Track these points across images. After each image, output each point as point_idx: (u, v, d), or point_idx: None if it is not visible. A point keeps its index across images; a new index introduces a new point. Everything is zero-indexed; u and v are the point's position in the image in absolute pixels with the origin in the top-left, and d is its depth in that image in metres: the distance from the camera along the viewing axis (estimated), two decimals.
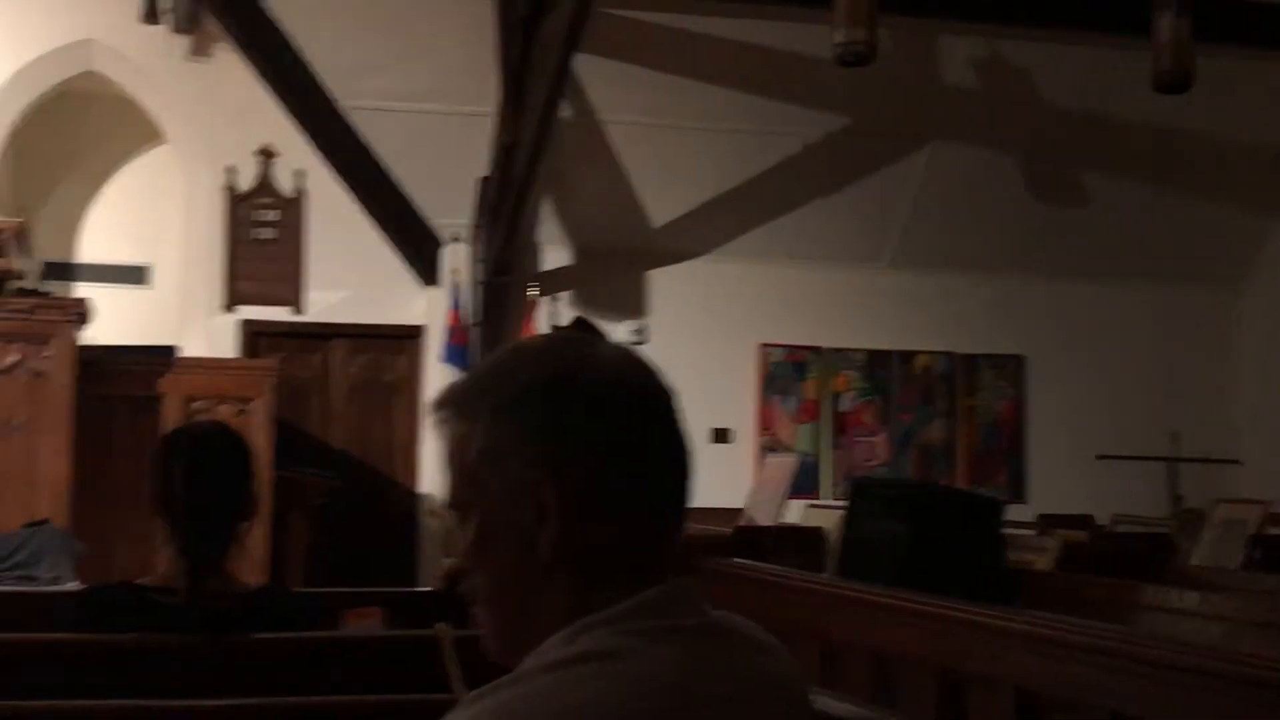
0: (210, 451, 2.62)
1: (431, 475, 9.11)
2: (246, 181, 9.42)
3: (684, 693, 1.15)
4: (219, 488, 2.58)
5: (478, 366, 1.35)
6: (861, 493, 4.88)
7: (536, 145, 8.29)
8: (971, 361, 10.04)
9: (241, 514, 2.62)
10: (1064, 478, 9.72)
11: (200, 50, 9.23)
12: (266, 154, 9.41)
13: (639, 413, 1.27)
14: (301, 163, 9.33)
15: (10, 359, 6.89)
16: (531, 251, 9.43)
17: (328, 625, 2.94)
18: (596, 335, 1.36)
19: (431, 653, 2.56)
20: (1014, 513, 6.22)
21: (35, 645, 2.59)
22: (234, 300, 9.33)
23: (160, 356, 7.38)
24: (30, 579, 6.25)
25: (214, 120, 9.30)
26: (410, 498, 9.37)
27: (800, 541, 5.30)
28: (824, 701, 1.35)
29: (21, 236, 6.97)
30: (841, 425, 9.81)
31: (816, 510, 7.10)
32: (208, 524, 2.56)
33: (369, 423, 9.61)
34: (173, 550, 2.57)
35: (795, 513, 6.72)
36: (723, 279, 9.49)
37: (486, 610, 1.30)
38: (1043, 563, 5.42)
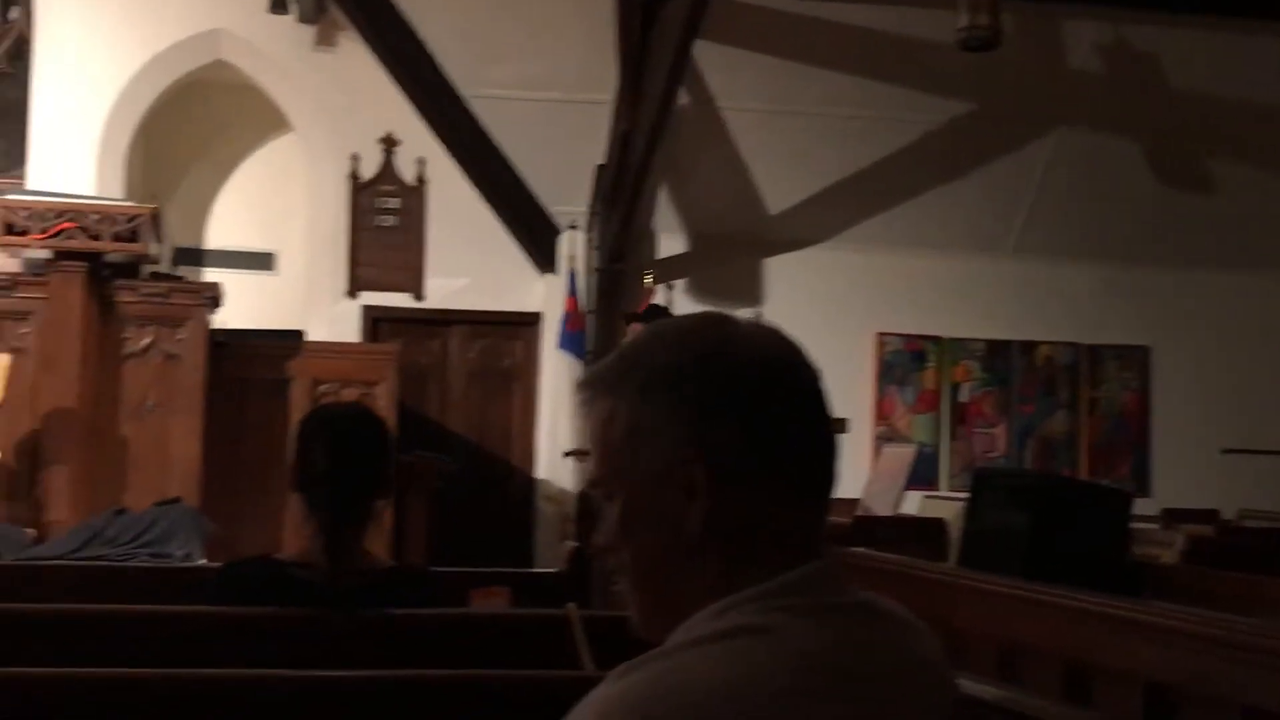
0: (351, 431, 2.66)
1: (548, 461, 9.18)
2: (369, 169, 9.57)
3: (834, 669, 1.16)
4: (359, 466, 2.63)
5: (622, 346, 1.36)
6: (984, 483, 4.83)
7: (654, 132, 8.31)
8: (1095, 352, 9.87)
9: (379, 493, 2.67)
10: (1189, 471, 9.51)
11: (325, 40, 9.41)
12: (389, 142, 9.56)
13: (786, 390, 1.27)
14: (423, 151, 9.46)
15: (145, 341, 7.08)
16: (647, 238, 9.45)
17: (457, 603, 2.99)
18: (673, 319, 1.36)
19: (560, 631, 2.60)
20: (1138, 507, 6.10)
21: (179, 617, 2.66)
22: (356, 286, 9.49)
23: (289, 340, 7.52)
24: (162, 556, 6.41)
25: (338, 109, 9.48)
26: (527, 482, 9.46)
27: (921, 532, 5.27)
28: (965, 684, 1.35)
29: (155, 222, 7.15)
30: (960, 416, 9.70)
31: (935, 501, 7.05)
32: (347, 502, 2.60)
33: (487, 408, 9.72)
34: (312, 527, 2.62)
35: (912, 504, 6.68)
36: (840, 267, 9.42)
37: (633, 587, 1.31)
38: (1168, 557, 5.32)
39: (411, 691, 2.13)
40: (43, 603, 3.11)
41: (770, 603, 1.20)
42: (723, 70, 8.58)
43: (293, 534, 7.16)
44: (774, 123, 8.85)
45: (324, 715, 2.11)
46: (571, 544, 3.52)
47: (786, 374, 1.28)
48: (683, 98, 8.52)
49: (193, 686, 2.16)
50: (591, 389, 1.34)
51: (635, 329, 6.18)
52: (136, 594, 3.36)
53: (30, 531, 6.74)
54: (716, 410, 1.24)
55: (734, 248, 9.40)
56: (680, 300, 9.31)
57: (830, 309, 9.27)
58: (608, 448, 1.30)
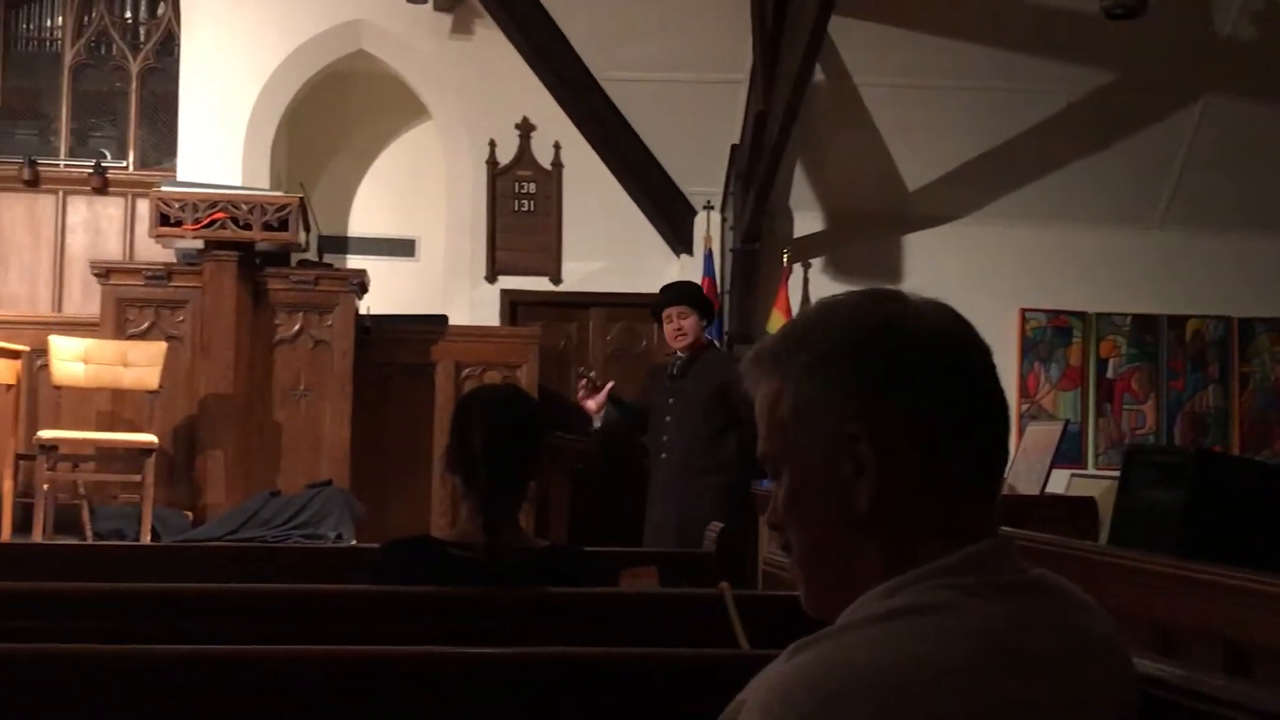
0: (508, 413, 2.70)
1: None
2: (506, 155, 9.68)
3: (1008, 647, 1.14)
4: (515, 447, 2.67)
5: (788, 324, 1.36)
6: (1136, 460, 4.73)
7: (789, 111, 8.23)
8: (1246, 326, 9.57)
9: (533, 473, 2.71)
10: None
11: (462, 27, 9.54)
12: (525, 127, 9.65)
13: (957, 366, 1.26)
14: (558, 135, 9.54)
15: (295, 327, 7.27)
16: (784, 217, 9.39)
17: (607, 583, 3.02)
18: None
19: (711, 610, 2.61)
20: None
21: (341, 596, 2.73)
22: (495, 271, 9.60)
23: (433, 325, 7.64)
24: (315, 537, 6.59)
25: (475, 95, 9.60)
26: None
27: (1070, 511, 5.19)
28: (1141, 663, 1.33)
29: (303, 211, 7.32)
30: (1107, 392, 9.49)
31: (1082, 479, 6.92)
32: (504, 482, 2.64)
33: (625, 390, 9.75)
34: (469, 507, 2.67)
35: (1058, 482, 6.56)
36: (982, 242, 9.27)
37: (802, 564, 1.31)
38: None
39: (571, 668, 2.16)
40: (205, 582, 3.19)
41: (942, 580, 1.19)
42: (859, 46, 8.48)
43: (440, 514, 7.30)
44: (912, 97, 8.73)
45: (484, 691, 2.15)
46: (718, 525, 3.53)
47: (958, 350, 1.27)
48: (818, 74, 8.44)
49: (356, 664, 2.21)
50: (757, 367, 1.34)
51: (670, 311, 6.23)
52: (294, 574, 3.44)
53: (188, 514, 6.98)
54: (886, 386, 1.24)
55: (872, 225, 9.30)
56: (817, 279, 9.26)
57: (972, 285, 9.05)
58: (775, 425, 1.31)
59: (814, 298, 8.87)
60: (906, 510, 1.23)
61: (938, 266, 9.20)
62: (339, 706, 2.10)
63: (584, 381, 6.16)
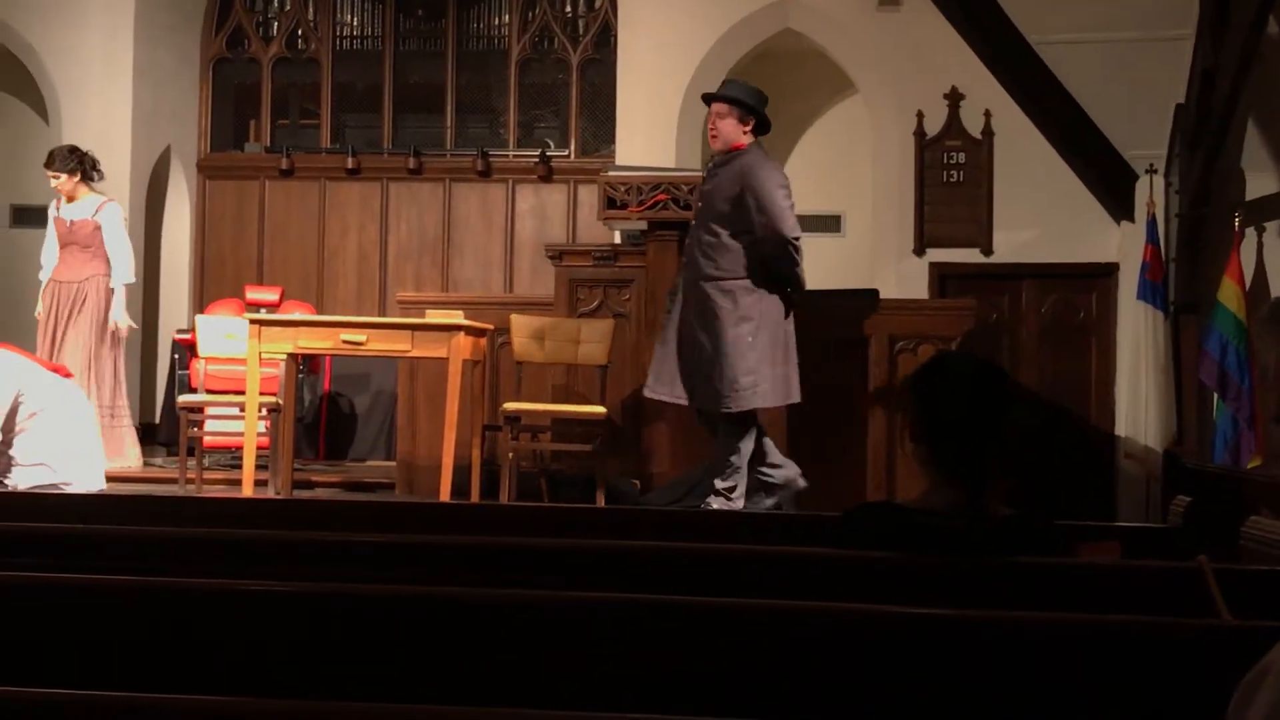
0: (976, 381, 2.71)
1: (1129, 417, 8.84)
2: (934, 126, 9.58)
3: None
4: (984, 416, 2.68)
5: None
6: None
7: (1241, 66, 7.76)
8: None
9: (1001, 442, 2.70)
10: None
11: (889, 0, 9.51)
12: (954, 97, 9.52)
13: None
14: (989, 103, 9.37)
15: None
16: (1235, 179, 8.84)
17: (1067, 555, 2.97)
18: None
19: (1184, 584, 2.53)
20: None
21: (802, 559, 2.81)
22: (923, 243, 9.54)
23: (865, 299, 7.66)
24: (755, 506, 6.76)
25: (902, 67, 9.55)
26: (1106, 439, 9.17)
27: None
28: None
29: None
30: None
31: None
32: (975, 451, 2.66)
33: (1060, 363, 9.51)
34: (937, 475, 2.69)
35: None
36: None
37: None
38: None
39: (1050, 635, 2.15)
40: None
41: None
42: None
43: (874, 485, 7.34)
44: None
45: (955, 655, 2.17)
46: (1184, 499, 3.40)
47: None
48: (1271, 26, 7.90)
49: (815, 619, 2.27)
50: None
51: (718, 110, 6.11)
52: (741, 539, 3.53)
53: (635, 483, 7.31)
54: None
55: None
56: (1273, 244, 8.66)
57: None
58: None
59: (1270, 264, 8.31)
60: None
61: None
62: (804, 661, 2.17)
63: None
